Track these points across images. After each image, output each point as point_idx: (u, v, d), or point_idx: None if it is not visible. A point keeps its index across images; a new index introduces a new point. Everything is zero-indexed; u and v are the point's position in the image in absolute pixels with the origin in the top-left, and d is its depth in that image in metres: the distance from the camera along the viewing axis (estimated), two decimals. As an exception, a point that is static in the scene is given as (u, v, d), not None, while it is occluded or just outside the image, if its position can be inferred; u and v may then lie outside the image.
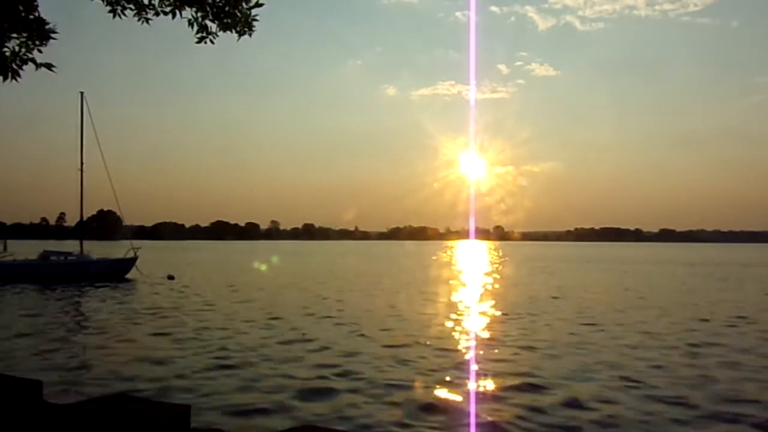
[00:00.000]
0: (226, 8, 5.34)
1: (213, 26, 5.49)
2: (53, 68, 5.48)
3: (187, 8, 5.43)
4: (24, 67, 5.45)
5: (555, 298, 25.33)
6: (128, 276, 34.62)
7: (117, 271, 34.63)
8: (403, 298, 25.23)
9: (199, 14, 5.42)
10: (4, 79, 5.41)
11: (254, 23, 5.46)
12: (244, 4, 5.41)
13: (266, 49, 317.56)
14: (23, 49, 5.45)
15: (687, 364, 11.91)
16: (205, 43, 5.51)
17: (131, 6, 5.51)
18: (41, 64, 5.44)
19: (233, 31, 5.45)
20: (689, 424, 8.20)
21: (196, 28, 5.47)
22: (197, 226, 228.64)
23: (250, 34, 5.51)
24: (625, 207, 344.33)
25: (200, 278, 35.90)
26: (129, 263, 35.51)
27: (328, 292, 27.16)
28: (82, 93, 35.48)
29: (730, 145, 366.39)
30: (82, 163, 35.07)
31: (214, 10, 5.37)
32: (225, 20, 5.39)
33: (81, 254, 35.35)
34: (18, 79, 5.44)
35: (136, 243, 38.96)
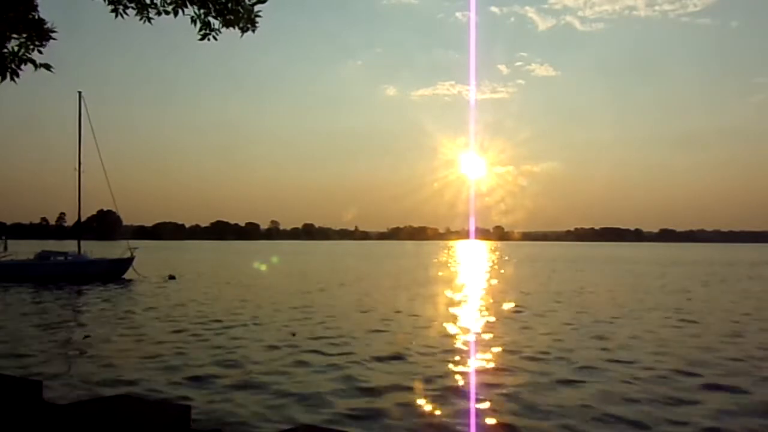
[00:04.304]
0: (229, 5, 5.32)
1: (216, 23, 5.47)
2: (51, 69, 5.47)
3: (189, 6, 5.42)
4: (23, 67, 5.44)
5: (558, 302, 25.34)
6: (125, 276, 34.56)
7: (114, 272, 34.53)
8: (407, 297, 25.24)
9: (202, 11, 5.40)
10: (3, 78, 5.40)
11: (257, 19, 5.44)
12: (246, 0, 5.39)
13: (266, 50, 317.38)
14: (23, 50, 5.45)
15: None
16: (209, 40, 5.50)
17: (133, 5, 5.50)
18: (40, 65, 5.43)
19: (236, 27, 5.44)
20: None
21: (198, 25, 5.45)
22: (197, 226, 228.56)
23: (253, 30, 5.49)
24: (625, 207, 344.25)
25: (202, 278, 35.89)
26: (126, 263, 35.40)
27: (335, 295, 27.18)
28: (80, 93, 35.41)
29: (730, 145, 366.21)
30: (80, 163, 35.01)
31: (217, 6, 5.35)
32: (228, 17, 5.37)
33: (78, 254, 35.32)
34: (16, 79, 5.43)
35: (135, 243, 38.88)
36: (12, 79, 5.47)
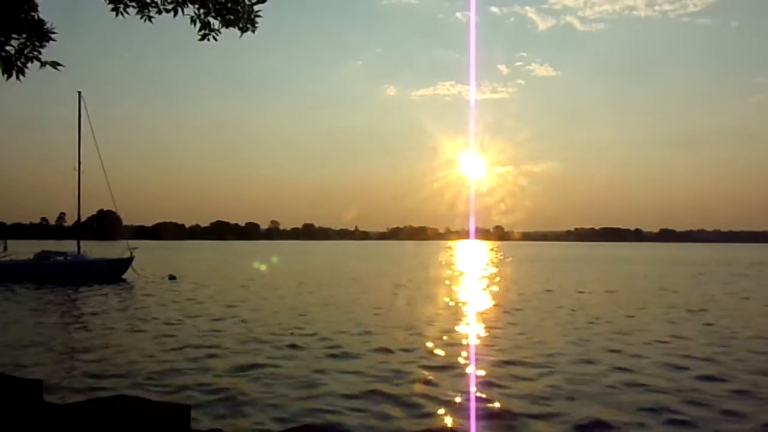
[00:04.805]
0: (229, 5, 5.32)
1: (215, 23, 5.47)
2: (58, 66, 5.46)
3: (190, 5, 5.41)
4: (28, 65, 5.43)
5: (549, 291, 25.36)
6: (124, 276, 34.55)
7: (114, 272, 34.52)
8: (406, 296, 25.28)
9: (202, 11, 5.40)
10: (8, 77, 5.39)
11: (257, 19, 5.44)
12: (246, 0, 5.39)
13: (266, 50, 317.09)
14: (27, 48, 5.43)
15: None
16: (208, 40, 5.50)
17: (133, 4, 5.50)
18: (47, 62, 5.42)
19: (236, 27, 5.43)
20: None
21: (198, 25, 5.45)
22: (197, 226, 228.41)
23: (253, 31, 5.49)
24: (625, 207, 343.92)
25: (202, 278, 35.87)
26: (125, 263, 35.40)
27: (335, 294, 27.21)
28: (79, 93, 35.40)
29: (730, 145, 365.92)
30: (79, 163, 35.00)
31: (217, 6, 5.35)
32: (227, 17, 5.37)
33: (78, 254, 35.32)
34: (22, 77, 5.42)
35: (135, 243, 38.90)
36: (18, 77, 5.46)
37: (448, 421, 8.46)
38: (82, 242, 36.11)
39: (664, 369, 11.66)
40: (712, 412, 8.84)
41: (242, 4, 5.36)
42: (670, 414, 8.70)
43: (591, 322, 17.97)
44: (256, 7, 5.40)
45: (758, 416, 8.67)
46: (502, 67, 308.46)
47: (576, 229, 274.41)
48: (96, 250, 38.31)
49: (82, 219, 38.84)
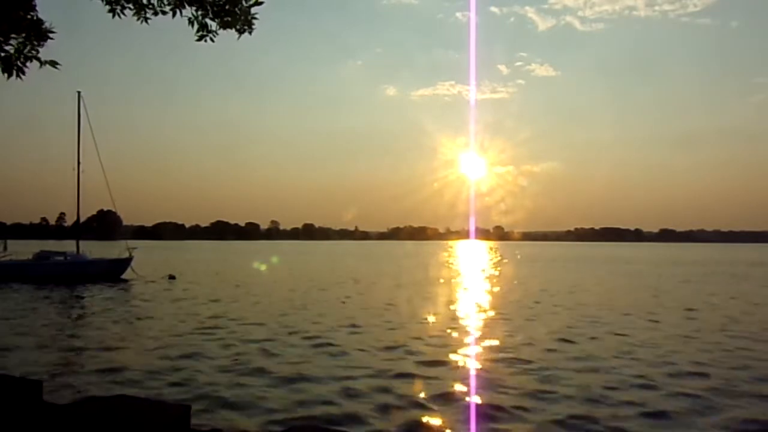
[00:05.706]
0: (226, 6, 5.33)
1: (213, 24, 5.49)
2: (58, 65, 5.47)
3: (187, 7, 5.42)
4: (28, 64, 5.44)
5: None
6: (124, 276, 34.54)
7: (113, 272, 34.52)
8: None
9: (199, 13, 5.41)
10: (8, 76, 5.40)
11: (254, 21, 5.47)
12: (243, 2, 5.40)
13: (266, 50, 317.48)
14: (28, 47, 5.45)
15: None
16: (205, 41, 5.51)
17: (130, 5, 5.50)
18: (45, 62, 5.43)
19: (233, 29, 5.45)
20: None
21: (196, 26, 5.47)
22: (197, 226, 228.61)
23: (250, 32, 5.51)
24: (625, 207, 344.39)
25: (201, 278, 35.90)
26: (124, 263, 35.42)
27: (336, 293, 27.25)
28: (79, 93, 35.37)
29: (730, 145, 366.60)
30: (78, 163, 34.98)
31: (214, 8, 5.36)
32: (225, 18, 5.38)
33: (77, 254, 35.34)
34: (22, 77, 5.44)
35: (135, 243, 38.94)
36: (18, 76, 5.48)
37: (448, 420, 8.46)
38: (81, 242, 36.11)
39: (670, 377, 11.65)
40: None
41: (239, 6, 5.37)
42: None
43: (588, 322, 17.99)
44: (253, 9, 5.41)
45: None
46: (502, 67, 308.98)
47: (576, 229, 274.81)
48: (95, 250, 38.30)
49: (82, 219, 38.87)
